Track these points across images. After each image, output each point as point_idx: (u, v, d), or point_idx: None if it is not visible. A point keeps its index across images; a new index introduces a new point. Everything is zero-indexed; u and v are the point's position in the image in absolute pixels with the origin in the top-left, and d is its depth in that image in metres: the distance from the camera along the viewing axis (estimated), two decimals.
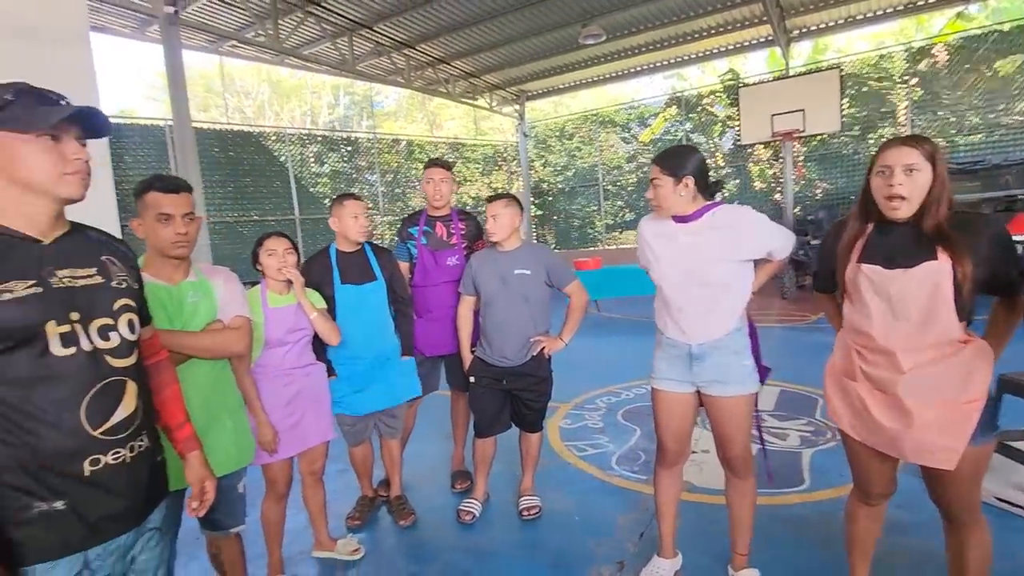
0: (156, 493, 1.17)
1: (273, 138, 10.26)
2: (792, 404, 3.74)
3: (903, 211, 1.41)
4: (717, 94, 11.08)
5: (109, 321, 1.07)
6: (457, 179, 12.95)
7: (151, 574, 1.19)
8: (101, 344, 1.05)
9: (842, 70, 9.09)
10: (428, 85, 11.01)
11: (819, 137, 9.67)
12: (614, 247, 12.79)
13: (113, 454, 1.04)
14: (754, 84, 10.04)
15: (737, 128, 10.15)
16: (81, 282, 1.05)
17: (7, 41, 5.69)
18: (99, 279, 1.08)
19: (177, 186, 1.58)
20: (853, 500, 1.72)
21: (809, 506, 2.46)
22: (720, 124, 11.13)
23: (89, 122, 1.06)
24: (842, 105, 8.86)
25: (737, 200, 10.69)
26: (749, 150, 10.59)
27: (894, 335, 1.43)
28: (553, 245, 13.53)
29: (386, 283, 2.45)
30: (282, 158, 10.06)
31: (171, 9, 6.03)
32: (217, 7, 7.47)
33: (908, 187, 1.39)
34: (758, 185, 10.76)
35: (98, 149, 6.65)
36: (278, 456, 2.01)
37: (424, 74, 10.59)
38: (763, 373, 1.88)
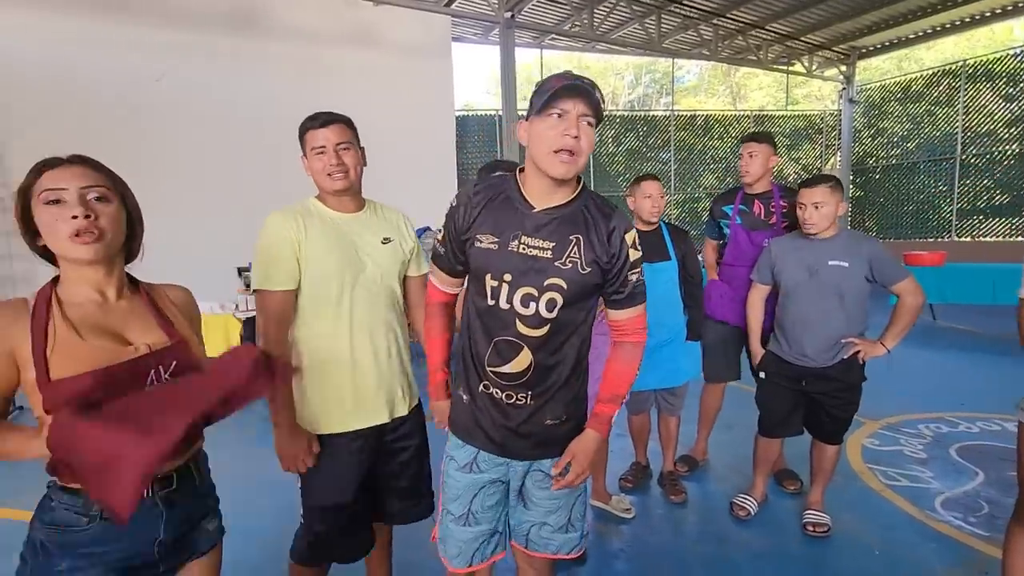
0: (542, 449, 1.27)
1: None
2: None
3: None
4: None
5: (533, 292, 1.17)
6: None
7: (544, 512, 1.31)
8: (519, 309, 1.18)
9: None
10: (735, 55, 10.29)
11: None
12: (968, 239, 9.96)
13: (495, 390, 1.24)
14: None
15: None
16: (532, 252, 1.17)
17: (393, 57, 7.53)
18: (549, 255, 1.17)
19: (516, 168, 1.96)
20: None
21: None
22: None
23: (586, 96, 1.10)
24: None
25: None
26: None
27: None
28: (874, 232, 11.27)
29: (679, 263, 2.49)
30: None
31: (508, 15, 7.04)
32: (543, 6, 8.39)
33: None
34: None
35: (446, 137, 8.31)
36: None
37: (732, 43, 9.92)
38: None
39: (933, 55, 14.10)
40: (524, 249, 1.17)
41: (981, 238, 9.87)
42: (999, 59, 9.69)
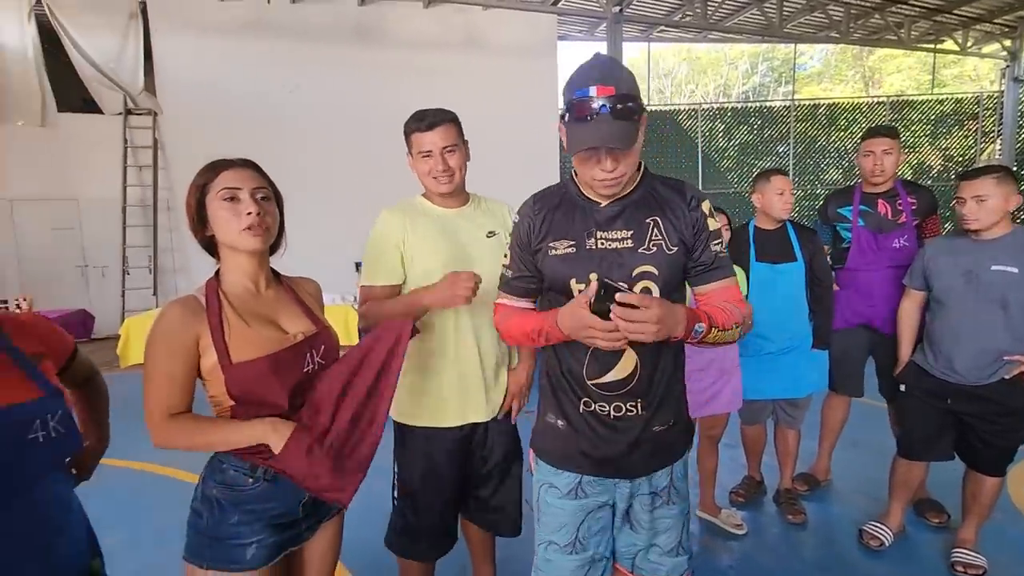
0: (658, 459, 1.19)
1: (684, 115, 10.62)
2: None
3: None
4: None
5: (623, 286, 1.09)
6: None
7: (652, 534, 1.22)
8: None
9: None
10: (870, 35, 9.31)
11: None
12: None
13: (600, 405, 1.14)
14: None
15: None
16: (613, 245, 1.12)
17: (500, 59, 7.66)
18: (629, 243, 1.11)
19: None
20: None
21: None
22: None
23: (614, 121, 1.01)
24: None
25: None
26: None
27: None
28: None
29: (806, 265, 2.30)
30: (692, 134, 10.34)
31: (617, 8, 6.90)
32: None
33: None
34: None
35: (550, 136, 8.32)
36: None
37: (867, 23, 8.97)
38: None
39: None
40: (603, 244, 1.12)
41: None
42: None
